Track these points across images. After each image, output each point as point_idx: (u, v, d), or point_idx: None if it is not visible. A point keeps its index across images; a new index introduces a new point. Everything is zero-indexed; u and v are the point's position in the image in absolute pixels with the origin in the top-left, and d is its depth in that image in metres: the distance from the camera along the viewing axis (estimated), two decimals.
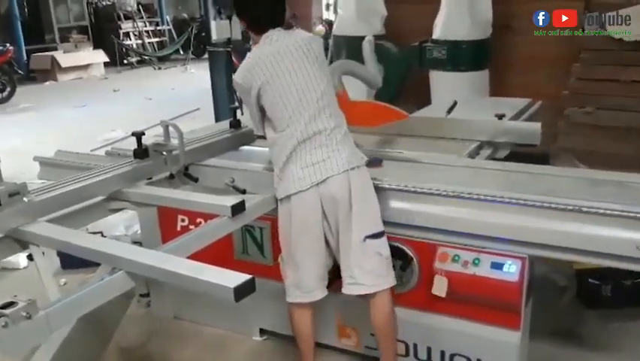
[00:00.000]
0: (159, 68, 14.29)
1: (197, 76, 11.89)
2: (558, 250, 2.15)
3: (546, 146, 3.82)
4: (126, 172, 2.40)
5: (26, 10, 13.29)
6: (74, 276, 3.57)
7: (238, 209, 2.11)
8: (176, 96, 10.44)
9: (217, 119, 6.03)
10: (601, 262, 2.13)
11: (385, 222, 2.33)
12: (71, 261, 3.46)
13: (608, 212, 2.06)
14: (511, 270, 2.22)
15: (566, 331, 2.90)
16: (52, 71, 12.51)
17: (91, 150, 5.94)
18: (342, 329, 2.70)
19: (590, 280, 3.02)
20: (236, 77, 2.34)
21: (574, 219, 2.10)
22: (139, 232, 3.52)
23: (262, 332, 2.98)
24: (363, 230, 2.24)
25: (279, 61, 2.26)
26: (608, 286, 2.98)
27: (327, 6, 12.54)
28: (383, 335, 2.36)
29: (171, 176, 2.57)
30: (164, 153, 2.55)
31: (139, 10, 15.43)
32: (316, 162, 2.23)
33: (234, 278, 1.58)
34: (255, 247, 2.78)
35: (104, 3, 14.75)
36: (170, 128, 2.54)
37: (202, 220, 2.77)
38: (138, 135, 2.52)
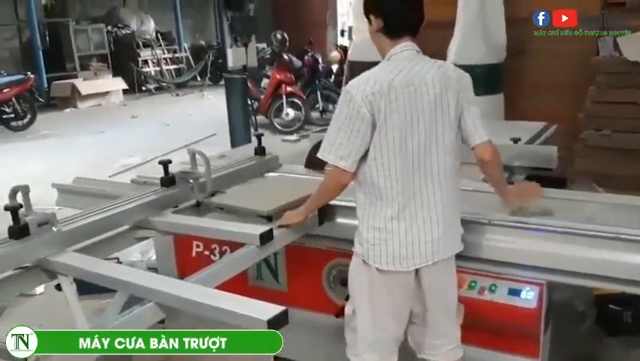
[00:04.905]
0: (177, 95, 14.48)
1: (213, 102, 12.02)
2: (577, 276, 2.12)
3: (563, 169, 3.79)
4: (153, 201, 2.40)
5: (47, 39, 13.60)
6: (89, 302, 3.56)
7: (266, 238, 2.08)
8: (193, 122, 10.56)
9: (233, 145, 6.09)
10: (622, 288, 2.10)
11: None
12: (85, 287, 3.46)
13: (629, 237, 2.03)
14: (529, 296, 2.19)
15: (587, 358, 2.83)
16: (72, 98, 12.71)
17: (109, 176, 6.02)
18: None
19: (610, 306, 2.96)
20: (352, 88, 1.94)
21: (593, 245, 2.07)
22: (153, 258, 3.53)
23: (276, 358, 2.95)
24: (456, 297, 2.16)
25: (409, 100, 1.91)
26: (629, 313, 2.92)
27: (342, 32, 12.72)
28: None
29: (197, 204, 2.54)
30: (191, 180, 2.53)
31: (157, 38, 15.69)
32: (427, 240, 1.97)
33: (267, 310, 1.57)
34: (269, 272, 2.77)
35: (123, 32, 15.04)
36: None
37: (216, 246, 2.78)
38: (165, 163, 2.51)
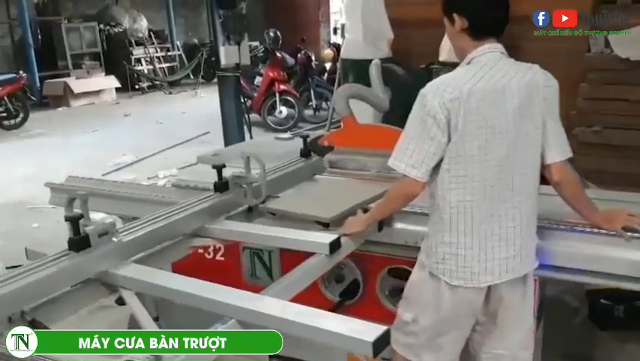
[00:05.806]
0: (170, 93, 14.46)
1: (207, 100, 12.02)
2: (569, 271, 2.13)
3: None
4: (208, 207, 2.29)
5: (40, 37, 13.53)
6: None
7: (335, 246, 2.00)
8: (187, 120, 10.56)
9: (226, 143, 6.09)
10: (613, 283, 2.11)
11: (391, 245, 2.30)
12: None
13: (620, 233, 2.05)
14: None
15: (580, 353, 2.86)
16: (64, 97, 12.68)
17: (102, 175, 6.02)
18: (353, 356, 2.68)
19: (601, 300, 2.99)
20: (429, 92, 1.80)
21: (584, 240, 2.08)
22: None
23: (271, 357, 2.96)
24: (531, 313, 2.03)
25: (491, 109, 1.76)
26: (621, 307, 2.95)
27: (335, 30, 12.74)
28: None
29: (249, 209, 2.44)
30: (244, 185, 2.43)
31: (150, 36, 15.65)
32: (501, 258, 1.84)
33: (371, 330, 1.46)
34: (264, 270, 2.77)
35: (116, 30, 14.99)
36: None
37: (211, 245, 2.78)
38: (219, 168, 2.39)
